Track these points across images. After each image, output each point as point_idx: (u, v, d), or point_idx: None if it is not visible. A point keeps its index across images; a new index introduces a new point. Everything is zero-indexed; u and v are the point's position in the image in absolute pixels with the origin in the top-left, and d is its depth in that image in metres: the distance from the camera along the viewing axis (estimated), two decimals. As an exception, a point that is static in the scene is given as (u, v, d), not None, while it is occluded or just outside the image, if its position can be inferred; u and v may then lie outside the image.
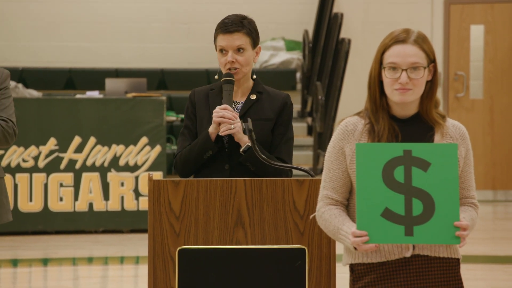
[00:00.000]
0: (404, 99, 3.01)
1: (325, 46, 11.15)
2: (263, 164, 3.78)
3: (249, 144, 3.78)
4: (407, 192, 2.89)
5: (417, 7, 11.82)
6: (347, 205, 3.09)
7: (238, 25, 3.89)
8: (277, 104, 3.92)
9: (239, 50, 3.90)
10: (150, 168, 9.17)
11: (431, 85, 3.04)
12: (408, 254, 3.00)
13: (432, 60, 3.03)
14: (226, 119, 3.82)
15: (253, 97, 3.94)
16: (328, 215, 3.04)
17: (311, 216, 3.49)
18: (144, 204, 9.18)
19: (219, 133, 3.84)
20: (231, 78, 3.91)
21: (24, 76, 11.16)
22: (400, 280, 3.01)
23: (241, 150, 3.84)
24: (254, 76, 3.99)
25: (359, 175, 2.90)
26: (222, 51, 3.93)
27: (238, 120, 3.84)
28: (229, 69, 3.92)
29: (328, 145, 3.11)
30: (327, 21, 11.26)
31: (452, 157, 2.90)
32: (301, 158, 10.71)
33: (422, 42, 3.01)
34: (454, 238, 2.89)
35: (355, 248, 2.94)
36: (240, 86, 3.96)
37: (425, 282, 3.02)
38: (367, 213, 2.88)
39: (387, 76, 3.01)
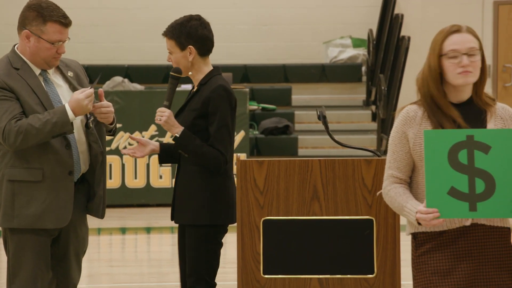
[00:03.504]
0: (466, 80, 2.96)
1: (387, 43, 11.01)
2: (195, 152, 3.67)
3: (178, 135, 3.67)
4: (470, 173, 2.86)
5: (469, 8, 11.57)
6: (410, 182, 3.05)
7: (167, 30, 3.80)
8: (203, 96, 3.74)
9: (170, 52, 3.80)
10: (236, 150, 9.13)
11: (482, 71, 2.99)
12: (468, 223, 2.95)
13: (481, 49, 2.99)
14: (158, 113, 3.72)
15: (195, 89, 3.81)
16: (394, 193, 3.01)
17: (378, 193, 3.46)
18: (231, 181, 9.22)
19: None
20: (174, 74, 3.75)
21: (129, 72, 11.32)
22: (459, 246, 2.96)
23: (171, 138, 3.73)
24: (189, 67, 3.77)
25: (427, 159, 2.87)
26: None
27: (166, 114, 3.67)
28: None
29: (392, 130, 3.06)
30: (389, 21, 11.12)
31: (510, 141, 2.85)
32: (367, 141, 10.61)
33: (473, 31, 3.00)
34: None
35: (419, 223, 2.90)
36: (193, 79, 3.83)
37: (481, 248, 2.97)
38: (435, 192, 2.86)
39: (451, 62, 2.96)
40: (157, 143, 3.87)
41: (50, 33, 3.48)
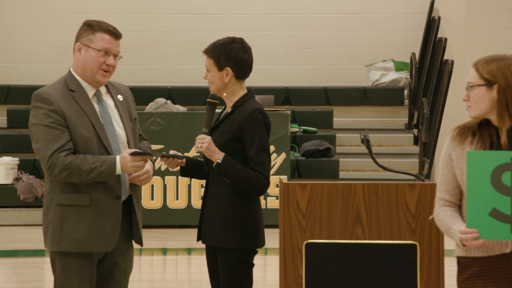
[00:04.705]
0: (468, 114, 3.00)
1: (430, 67, 10.96)
2: (237, 177, 3.66)
3: (219, 161, 3.67)
4: None
5: (513, 32, 11.47)
6: (461, 206, 3.03)
7: (208, 48, 3.85)
8: (239, 119, 3.75)
9: (208, 70, 3.86)
10: (277, 172, 9.20)
11: (499, 102, 2.95)
12: (508, 250, 2.93)
13: (492, 81, 2.94)
14: (198, 140, 3.73)
15: (229, 110, 3.83)
16: (442, 216, 3.00)
17: (430, 217, 3.44)
18: (271, 203, 9.21)
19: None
20: (211, 100, 3.80)
21: (172, 94, 11.40)
22: (501, 274, 2.93)
23: (213, 165, 3.72)
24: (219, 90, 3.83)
25: (469, 179, 2.85)
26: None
27: (206, 140, 3.69)
28: None
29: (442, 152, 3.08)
30: (432, 45, 11.08)
31: None
32: (408, 165, 10.54)
33: (481, 65, 2.96)
34: None
35: (463, 245, 2.89)
36: (226, 100, 3.87)
37: None
38: (476, 212, 2.83)
39: None
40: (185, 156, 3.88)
41: (98, 41, 3.56)
